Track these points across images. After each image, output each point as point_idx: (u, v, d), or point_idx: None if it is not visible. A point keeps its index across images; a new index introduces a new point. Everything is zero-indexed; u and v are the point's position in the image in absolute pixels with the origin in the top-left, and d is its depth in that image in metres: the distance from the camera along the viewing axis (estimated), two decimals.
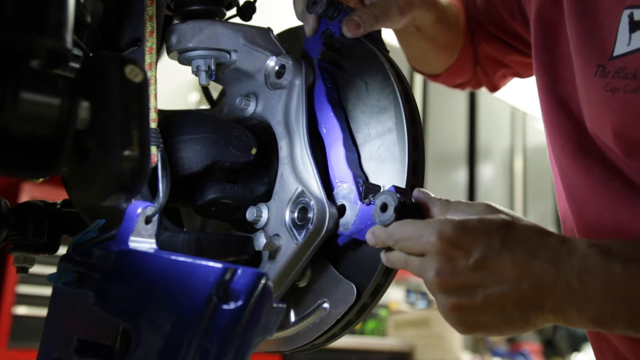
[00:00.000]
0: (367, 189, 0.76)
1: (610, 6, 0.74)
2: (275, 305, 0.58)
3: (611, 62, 0.71)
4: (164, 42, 0.82)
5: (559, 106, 0.84)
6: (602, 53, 0.73)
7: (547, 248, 0.64)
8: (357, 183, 0.77)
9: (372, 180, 0.79)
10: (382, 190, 0.76)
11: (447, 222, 0.66)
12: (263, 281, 0.57)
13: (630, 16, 0.70)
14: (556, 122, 0.84)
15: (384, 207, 0.70)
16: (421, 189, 0.73)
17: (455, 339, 3.95)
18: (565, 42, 0.84)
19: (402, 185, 0.75)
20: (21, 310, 2.45)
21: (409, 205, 0.71)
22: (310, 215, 0.75)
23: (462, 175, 4.39)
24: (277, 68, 0.81)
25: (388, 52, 0.85)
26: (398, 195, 0.70)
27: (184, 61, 0.82)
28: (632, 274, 0.61)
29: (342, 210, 0.77)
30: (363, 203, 0.75)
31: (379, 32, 0.88)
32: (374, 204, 0.72)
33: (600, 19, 0.75)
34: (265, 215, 0.78)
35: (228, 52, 0.81)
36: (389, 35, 0.93)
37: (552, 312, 0.64)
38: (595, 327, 0.64)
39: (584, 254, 0.63)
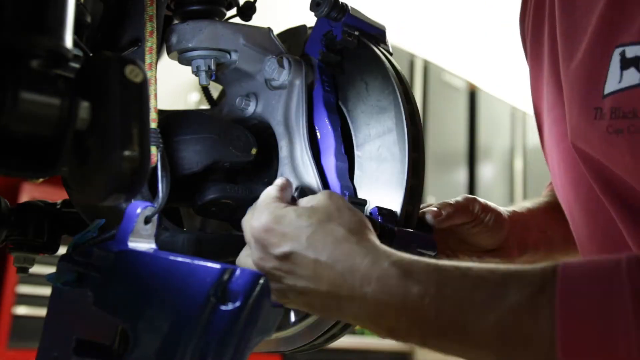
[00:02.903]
0: (352, 204, 0.76)
1: (599, 47, 0.72)
2: (273, 306, 0.58)
3: (603, 102, 0.70)
4: (164, 42, 0.82)
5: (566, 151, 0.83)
6: (597, 95, 0.71)
7: (350, 257, 0.65)
8: (343, 196, 0.76)
9: (373, 180, 0.79)
10: (366, 205, 0.76)
11: (268, 213, 0.69)
12: (261, 282, 0.57)
13: (622, 54, 0.68)
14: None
15: None
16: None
17: None
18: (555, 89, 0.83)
19: (402, 185, 0.75)
20: (21, 310, 2.45)
21: (388, 229, 0.70)
22: None
23: (462, 175, 4.39)
24: (277, 68, 0.81)
25: (391, 54, 0.85)
26: (379, 219, 0.70)
27: (184, 61, 0.82)
28: (424, 297, 0.61)
29: None
30: None
31: (383, 32, 0.88)
32: None
33: (592, 62, 0.74)
34: None
35: (228, 52, 0.81)
36: (390, 35, 0.93)
37: (353, 318, 0.67)
38: (392, 338, 0.66)
39: (385, 273, 0.63)
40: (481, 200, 0.90)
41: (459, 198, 0.88)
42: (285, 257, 0.66)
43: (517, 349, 0.58)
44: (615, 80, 0.69)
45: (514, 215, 0.95)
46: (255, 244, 0.69)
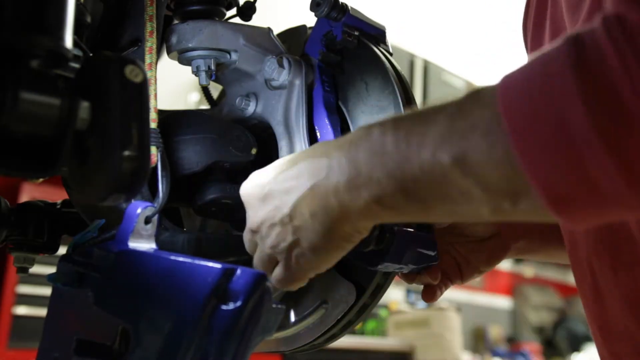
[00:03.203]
0: None
1: None
2: (274, 305, 0.58)
3: None
4: (164, 42, 0.82)
5: None
6: None
7: (321, 146, 0.66)
8: None
9: None
10: None
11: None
12: (262, 282, 0.57)
13: None
14: None
15: None
16: None
17: (455, 339, 3.95)
18: None
19: None
20: (21, 310, 2.45)
21: (388, 228, 0.69)
22: None
23: None
24: (277, 68, 0.81)
25: (391, 54, 0.85)
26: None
27: (184, 61, 0.82)
28: (385, 134, 0.58)
29: None
30: None
31: (383, 32, 0.88)
32: None
33: None
34: None
35: (228, 52, 0.81)
36: (390, 35, 0.93)
37: (336, 199, 0.61)
38: (372, 203, 0.59)
39: (352, 134, 0.63)
40: None
41: None
42: (268, 194, 0.68)
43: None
44: None
45: None
46: (253, 238, 0.70)
